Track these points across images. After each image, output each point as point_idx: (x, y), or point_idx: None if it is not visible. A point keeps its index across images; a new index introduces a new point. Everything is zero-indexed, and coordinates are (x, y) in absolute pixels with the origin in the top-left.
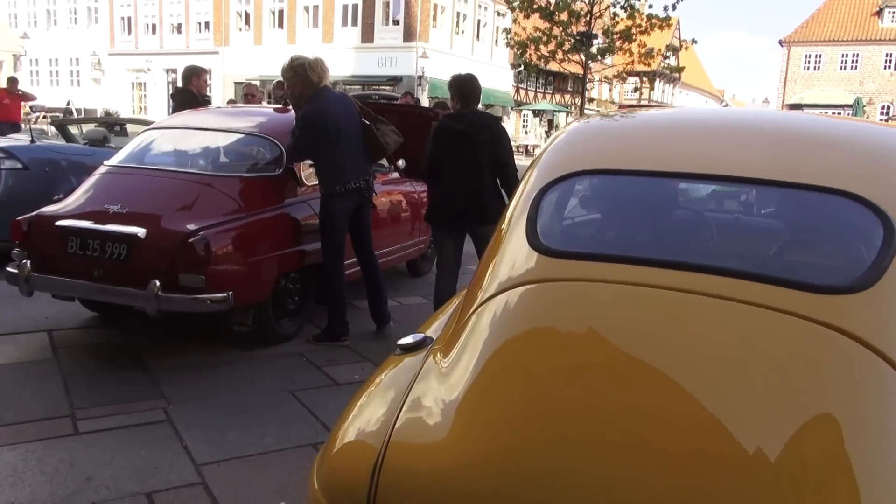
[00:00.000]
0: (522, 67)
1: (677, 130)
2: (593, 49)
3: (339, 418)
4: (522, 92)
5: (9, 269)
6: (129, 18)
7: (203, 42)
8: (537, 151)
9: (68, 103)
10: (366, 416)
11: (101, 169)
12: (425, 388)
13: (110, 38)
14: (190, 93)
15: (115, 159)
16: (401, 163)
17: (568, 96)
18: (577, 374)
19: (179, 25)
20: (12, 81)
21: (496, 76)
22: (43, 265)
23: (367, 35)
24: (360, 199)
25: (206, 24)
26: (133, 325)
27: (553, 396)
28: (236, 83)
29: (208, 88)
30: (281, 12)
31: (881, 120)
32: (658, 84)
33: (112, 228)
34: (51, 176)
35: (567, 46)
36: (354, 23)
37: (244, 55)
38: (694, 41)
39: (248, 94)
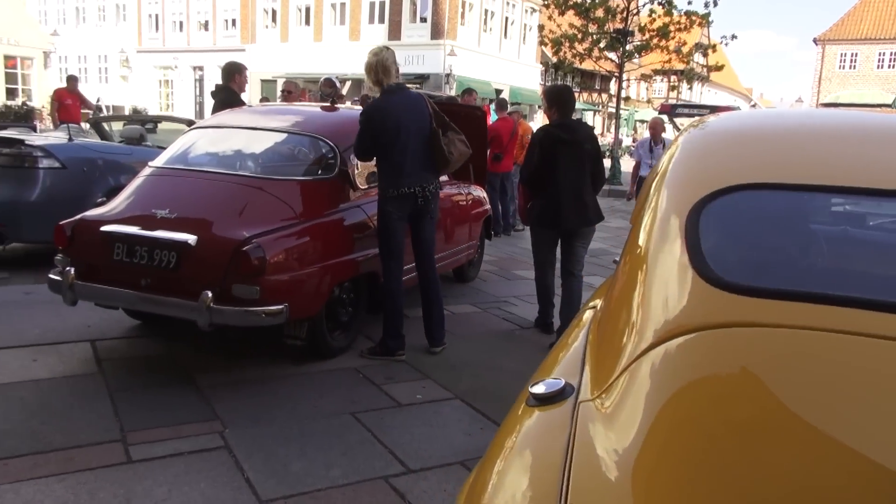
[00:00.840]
0: (556, 65)
1: (850, 136)
2: (630, 46)
3: (473, 485)
4: None
5: (52, 276)
6: (157, 16)
7: (230, 39)
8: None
9: (98, 100)
10: (514, 487)
11: (146, 170)
12: (591, 456)
13: (138, 35)
14: (231, 91)
15: (160, 160)
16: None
17: (595, 95)
18: (822, 458)
19: (206, 23)
20: (72, 80)
21: (523, 74)
22: (87, 273)
23: (395, 32)
24: (414, 207)
25: (233, 22)
26: (177, 334)
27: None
28: (263, 81)
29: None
30: (308, 9)
31: None
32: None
33: (160, 235)
34: (88, 176)
35: (603, 44)
36: (381, 20)
37: (271, 52)
38: (734, 36)
39: (287, 90)
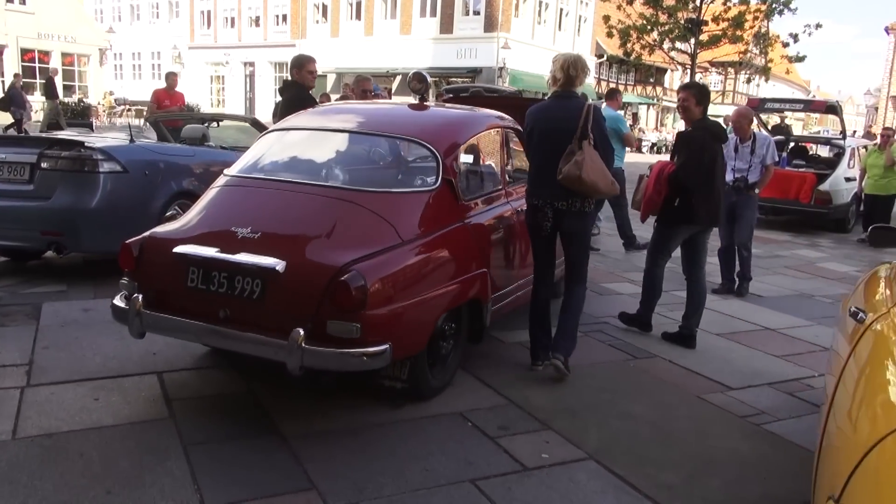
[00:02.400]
0: (621, 59)
1: None
2: (703, 36)
3: None
4: (604, 84)
5: (116, 303)
6: (209, 12)
7: (280, 35)
8: None
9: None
10: None
11: (221, 180)
12: None
13: (190, 31)
14: (301, 86)
15: (237, 167)
16: None
17: (650, 88)
18: None
19: (258, 18)
20: (172, 77)
21: None
22: (156, 300)
23: (447, 26)
24: (543, 219)
25: (284, 17)
26: (253, 364)
27: None
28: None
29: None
30: (358, 4)
31: None
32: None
33: (243, 259)
34: (150, 180)
35: (674, 33)
36: (433, 13)
37: (321, 48)
38: (818, 25)
39: (364, 89)
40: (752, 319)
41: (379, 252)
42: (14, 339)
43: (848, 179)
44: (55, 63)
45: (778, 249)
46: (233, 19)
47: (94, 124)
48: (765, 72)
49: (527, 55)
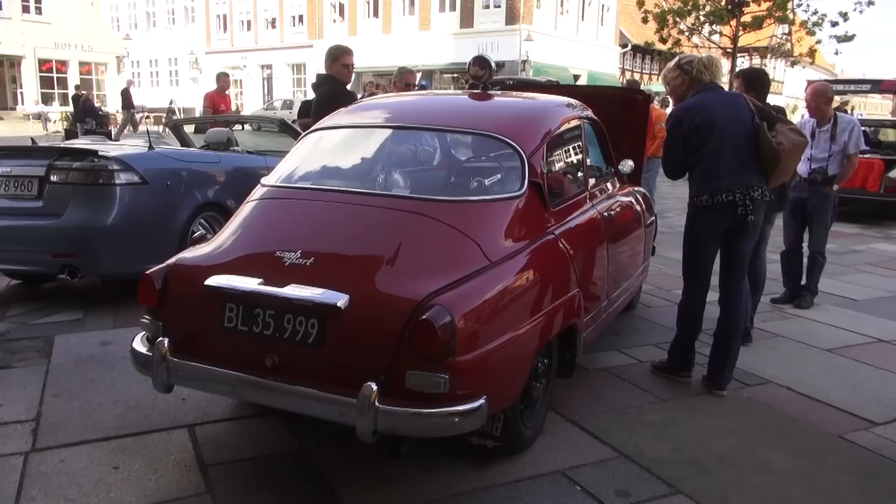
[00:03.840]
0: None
1: None
2: (746, 18)
3: None
4: (628, 74)
5: (137, 347)
6: (225, 16)
7: (297, 36)
8: None
9: (171, 103)
10: None
11: (258, 191)
12: None
13: (207, 36)
14: (337, 80)
15: (277, 176)
16: (629, 165)
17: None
18: None
19: (274, 20)
20: (224, 79)
21: (602, 58)
22: (186, 344)
23: (467, 20)
24: (733, 220)
25: (300, 18)
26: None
27: None
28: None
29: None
30: (376, 1)
31: None
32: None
33: (294, 293)
34: (173, 190)
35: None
36: (453, 8)
37: None
38: (871, 2)
39: (408, 83)
40: (858, 329)
41: (465, 278)
42: (21, 384)
43: None
44: (73, 72)
45: (851, 244)
46: (249, 22)
47: (112, 133)
48: (812, 54)
49: (550, 47)
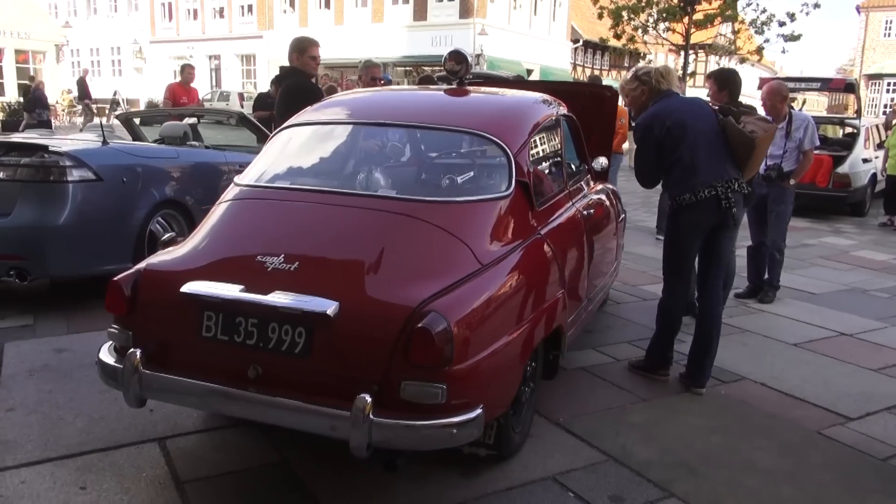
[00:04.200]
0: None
1: None
2: (698, 15)
3: None
4: (580, 69)
5: (104, 358)
6: (170, 4)
7: (247, 26)
8: None
9: (115, 94)
10: None
11: (233, 191)
12: None
13: (151, 25)
14: (302, 73)
15: (252, 175)
16: (602, 162)
17: (625, 72)
18: None
19: (221, 10)
20: (189, 71)
21: (554, 53)
22: (159, 355)
23: (420, 13)
24: (717, 216)
25: (250, 8)
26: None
27: None
28: (282, 68)
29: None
30: None
31: None
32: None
33: (280, 301)
34: (129, 188)
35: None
36: (406, 0)
37: (289, 39)
38: (817, 5)
39: (374, 76)
40: (820, 323)
41: (457, 283)
42: None
43: (865, 161)
44: (8, 60)
45: (803, 238)
46: (196, 11)
47: (52, 124)
48: (759, 52)
49: (503, 41)
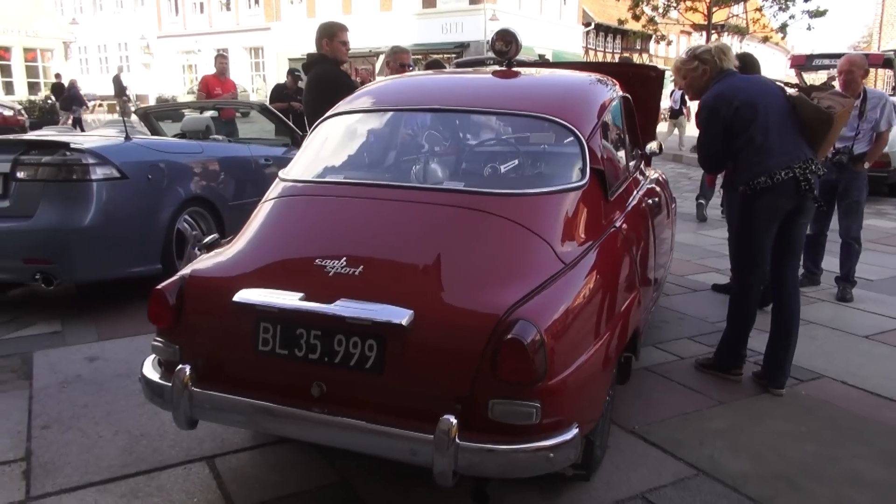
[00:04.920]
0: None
1: None
2: None
3: None
4: (592, 53)
5: (148, 374)
6: None
7: (254, 18)
8: None
9: (126, 90)
10: None
11: (279, 188)
12: None
13: (158, 20)
14: (330, 61)
15: (299, 170)
16: (653, 147)
17: (636, 55)
18: None
19: (228, 2)
20: (221, 60)
21: (565, 37)
22: (210, 372)
23: (429, 0)
24: (795, 199)
25: (256, 0)
26: None
27: None
28: (290, 60)
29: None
30: None
31: None
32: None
33: (346, 310)
34: (155, 185)
35: None
36: None
37: (297, 30)
38: None
39: (402, 63)
40: (886, 312)
41: (543, 285)
42: (2, 414)
43: None
44: (16, 59)
45: None
46: (202, 4)
47: (60, 121)
48: (783, 29)
49: (514, 26)
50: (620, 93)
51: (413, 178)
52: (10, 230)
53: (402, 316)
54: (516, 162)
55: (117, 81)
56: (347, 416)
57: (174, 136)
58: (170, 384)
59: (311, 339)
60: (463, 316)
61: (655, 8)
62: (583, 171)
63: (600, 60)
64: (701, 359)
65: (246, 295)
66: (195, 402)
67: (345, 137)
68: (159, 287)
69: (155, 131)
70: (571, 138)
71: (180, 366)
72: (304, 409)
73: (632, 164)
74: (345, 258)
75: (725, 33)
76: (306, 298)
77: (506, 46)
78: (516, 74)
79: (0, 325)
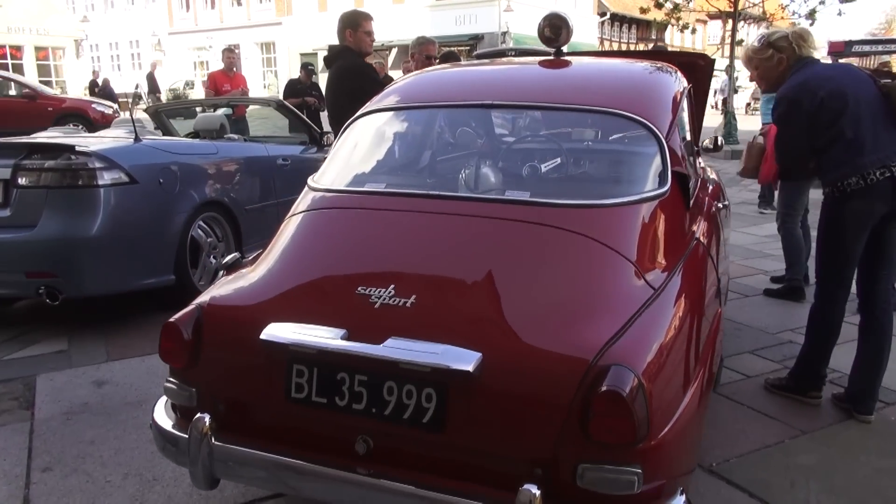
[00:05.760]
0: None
1: None
2: None
3: None
4: (607, 43)
5: (161, 422)
6: None
7: (265, 13)
8: None
9: (136, 87)
10: None
11: (310, 197)
12: None
13: (169, 16)
14: (354, 53)
15: (331, 177)
16: (707, 142)
17: (652, 45)
18: None
19: None
20: (229, 55)
21: (581, 27)
22: (233, 421)
23: None
24: (890, 202)
25: None
26: None
27: None
28: (302, 55)
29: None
30: None
31: None
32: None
33: (398, 352)
34: (167, 190)
35: None
36: None
37: (309, 24)
38: None
39: (429, 55)
40: None
41: (634, 317)
42: (0, 450)
43: None
44: (28, 57)
45: None
46: (213, 0)
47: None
48: (812, 15)
49: (529, 17)
50: (686, 83)
51: (464, 185)
52: (12, 241)
53: (468, 360)
54: (587, 166)
55: (151, 79)
56: (399, 481)
57: (186, 135)
58: (185, 435)
59: (355, 386)
60: (543, 360)
61: None
62: (663, 175)
63: (627, 50)
64: (772, 379)
65: (276, 331)
66: (216, 458)
67: (381, 138)
68: (172, 320)
69: (167, 131)
70: (650, 137)
71: (199, 414)
72: (346, 470)
73: (698, 161)
74: (393, 286)
75: (743, 22)
76: (349, 337)
77: (554, 33)
78: (569, 64)
79: (2, 344)
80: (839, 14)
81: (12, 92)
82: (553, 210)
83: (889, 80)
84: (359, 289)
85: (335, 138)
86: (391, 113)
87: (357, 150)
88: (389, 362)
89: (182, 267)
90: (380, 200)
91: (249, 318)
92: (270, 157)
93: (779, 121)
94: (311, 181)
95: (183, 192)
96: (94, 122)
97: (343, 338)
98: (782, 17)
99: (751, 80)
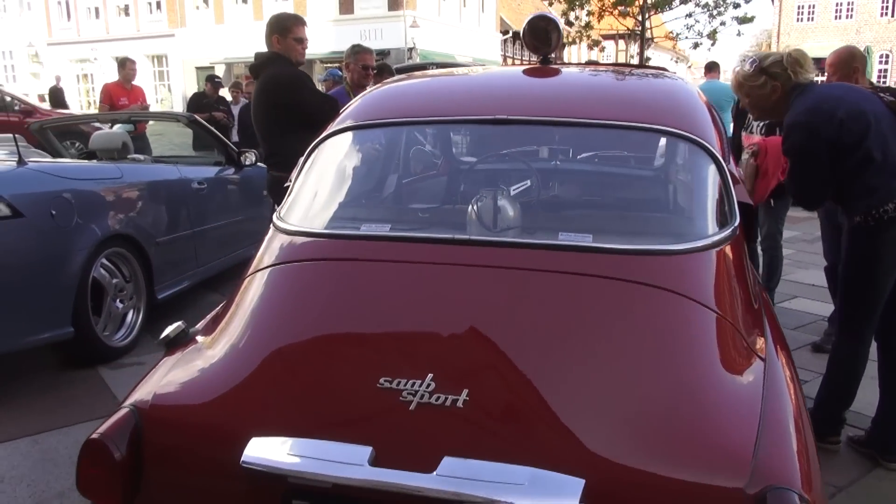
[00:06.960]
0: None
1: None
2: None
3: None
4: (510, 61)
5: None
6: (67, 3)
7: (156, 24)
8: None
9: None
10: None
11: (280, 244)
12: None
13: (47, 25)
14: (284, 60)
15: (305, 213)
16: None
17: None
18: None
19: (127, 7)
20: (129, 65)
21: (484, 44)
22: None
23: (346, 5)
24: None
25: (158, 4)
26: None
27: None
28: (198, 69)
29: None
30: None
31: (879, 69)
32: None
33: (458, 483)
34: (61, 223)
35: None
36: None
37: (204, 37)
38: None
39: (365, 65)
40: None
41: (763, 406)
42: None
43: None
44: None
45: (814, 229)
46: (97, 9)
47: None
48: (713, 35)
49: (434, 33)
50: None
51: (488, 223)
52: None
53: (570, 492)
54: (645, 196)
55: (55, 93)
56: None
57: (80, 156)
58: None
59: None
60: (673, 489)
61: (591, 13)
62: (731, 208)
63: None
64: None
65: (263, 451)
66: None
67: (370, 162)
68: (94, 436)
69: (55, 152)
70: (705, 160)
71: None
72: None
73: None
74: (431, 376)
75: (629, 41)
76: (378, 459)
77: (541, 38)
78: (572, 72)
79: None
80: (738, 35)
81: None
82: (622, 258)
83: (893, 98)
84: (382, 381)
85: (280, 161)
86: (378, 130)
87: (336, 178)
88: (449, 502)
89: (83, 316)
90: (387, 248)
91: (219, 429)
92: (184, 181)
93: (793, 150)
94: (277, 220)
95: (80, 225)
96: None
97: (371, 461)
98: (655, 39)
99: (742, 107)
